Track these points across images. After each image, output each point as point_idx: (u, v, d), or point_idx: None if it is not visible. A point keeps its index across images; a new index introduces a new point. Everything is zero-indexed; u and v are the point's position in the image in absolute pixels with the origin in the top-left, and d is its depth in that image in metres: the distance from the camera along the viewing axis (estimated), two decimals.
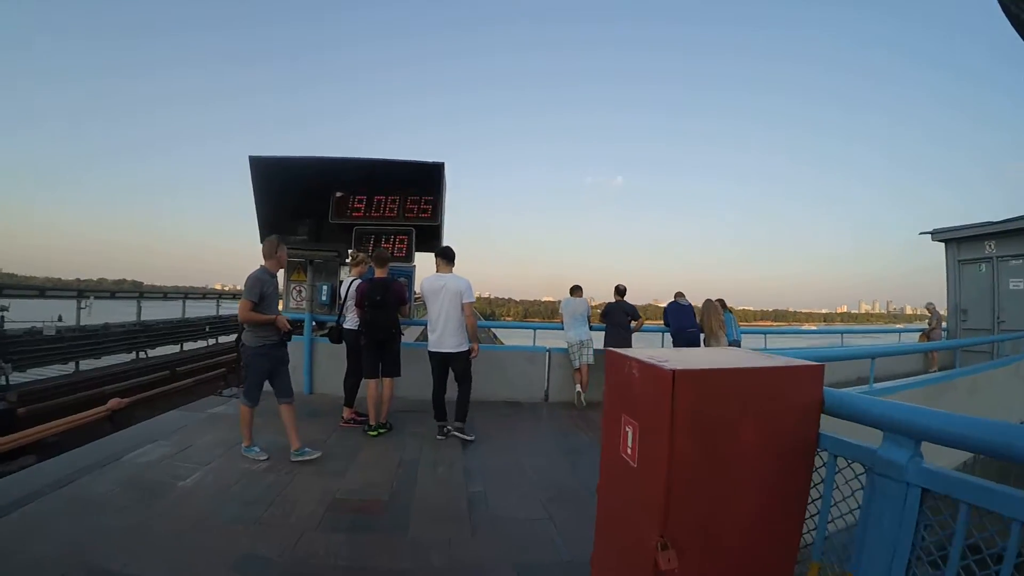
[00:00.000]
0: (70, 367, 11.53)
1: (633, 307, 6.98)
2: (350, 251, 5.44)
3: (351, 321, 5.20)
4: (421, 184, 6.30)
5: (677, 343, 7.25)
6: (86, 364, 11.93)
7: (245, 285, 3.99)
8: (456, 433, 4.85)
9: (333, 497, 3.47)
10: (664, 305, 7.78)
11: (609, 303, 6.97)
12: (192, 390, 10.30)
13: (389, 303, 4.88)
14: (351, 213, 6.46)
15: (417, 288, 5.28)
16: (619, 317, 6.83)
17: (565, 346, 6.63)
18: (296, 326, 5.06)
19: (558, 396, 6.72)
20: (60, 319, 11.97)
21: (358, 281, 5.20)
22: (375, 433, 4.85)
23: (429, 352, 4.90)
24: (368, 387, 4.94)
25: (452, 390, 5.00)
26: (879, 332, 12.38)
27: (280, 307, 4.87)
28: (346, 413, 5.23)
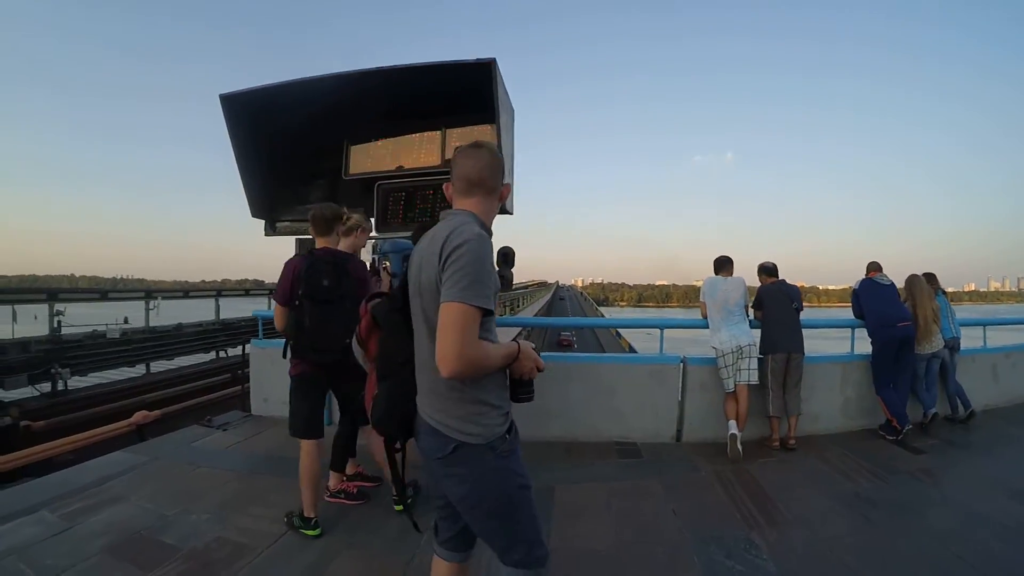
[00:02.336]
0: (139, 370, 11.05)
1: (798, 291, 4.39)
2: (342, 211, 3.24)
3: None
4: (465, 105, 4.05)
5: (880, 345, 4.53)
6: (157, 366, 11.43)
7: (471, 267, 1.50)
8: None
9: None
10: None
11: (763, 287, 4.39)
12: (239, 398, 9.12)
13: (346, 294, 2.74)
14: (371, 163, 4.38)
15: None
16: (782, 307, 4.23)
17: (712, 355, 4.12)
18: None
19: (698, 434, 4.21)
20: (126, 321, 11.45)
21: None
22: (315, 532, 2.77)
23: None
24: (303, 454, 2.83)
25: None
26: None
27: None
28: (332, 481, 3.18)
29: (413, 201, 4.21)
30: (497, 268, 4.44)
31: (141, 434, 7.19)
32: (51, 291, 9.72)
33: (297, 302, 2.69)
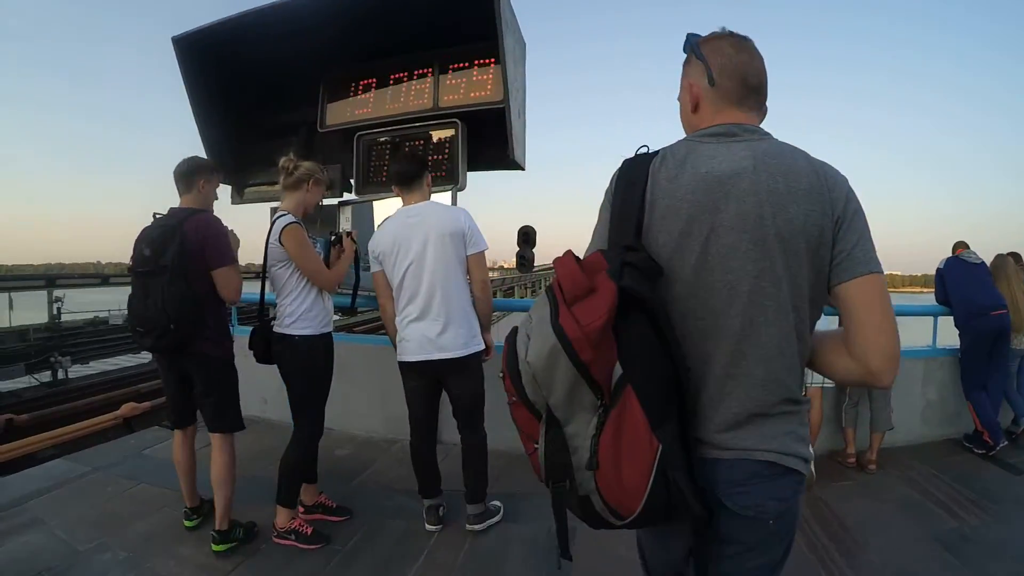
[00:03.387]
0: (146, 356, 10.68)
1: None
2: (283, 159, 2.50)
3: (296, 315, 2.37)
4: (461, 36, 3.20)
5: (972, 338, 3.73)
6: None
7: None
8: (474, 525, 2.47)
9: None
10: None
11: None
12: None
13: (169, 266, 2.15)
14: (350, 111, 3.59)
15: (372, 249, 2.41)
16: None
17: None
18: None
19: None
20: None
21: (286, 222, 2.34)
22: (190, 523, 2.54)
23: (405, 364, 2.34)
24: (173, 448, 2.55)
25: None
26: None
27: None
28: (279, 518, 2.42)
29: (401, 150, 3.39)
30: (518, 248, 3.62)
31: (129, 427, 6.72)
32: (49, 277, 9.34)
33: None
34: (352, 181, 3.54)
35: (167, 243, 2.17)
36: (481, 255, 2.31)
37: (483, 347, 2.35)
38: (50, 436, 6.28)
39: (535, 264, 3.63)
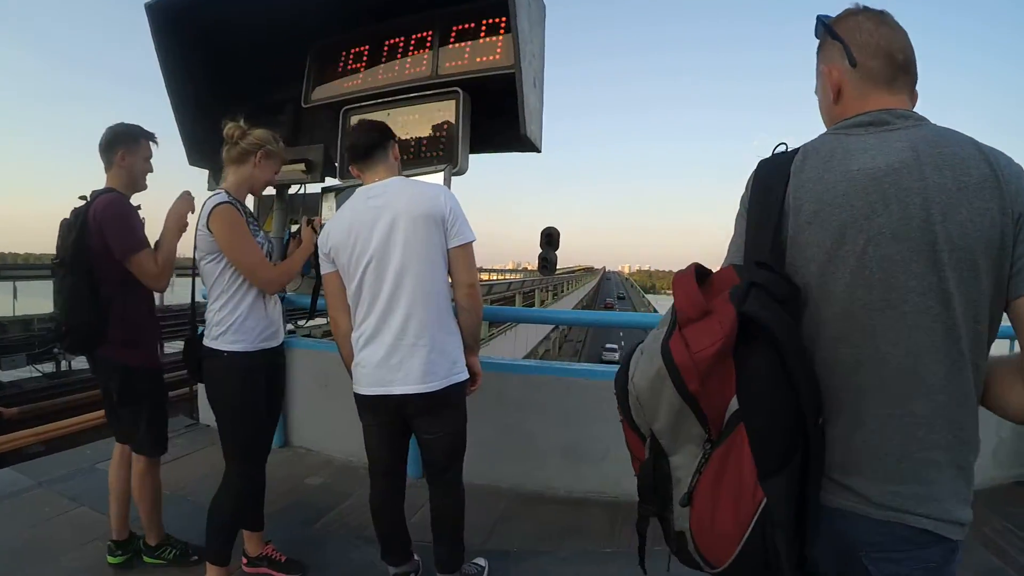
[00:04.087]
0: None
1: None
2: (229, 126, 1.96)
3: (226, 325, 1.89)
4: None
5: None
6: (172, 347, 10.82)
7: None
8: None
9: None
10: None
11: None
12: None
13: (68, 261, 1.88)
14: (342, 83, 3.10)
15: (322, 244, 1.83)
16: None
17: None
18: None
19: None
20: None
21: (216, 201, 1.86)
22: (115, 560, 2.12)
23: (361, 396, 1.74)
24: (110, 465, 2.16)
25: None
26: None
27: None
28: (249, 549, 2.07)
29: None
30: (541, 250, 3.09)
31: None
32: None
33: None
34: (336, 164, 3.06)
35: (71, 232, 1.89)
36: (468, 248, 1.73)
37: (466, 376, 1.76)
38: (34, 433, 6.00)
39: (557, 266, 3.38)
